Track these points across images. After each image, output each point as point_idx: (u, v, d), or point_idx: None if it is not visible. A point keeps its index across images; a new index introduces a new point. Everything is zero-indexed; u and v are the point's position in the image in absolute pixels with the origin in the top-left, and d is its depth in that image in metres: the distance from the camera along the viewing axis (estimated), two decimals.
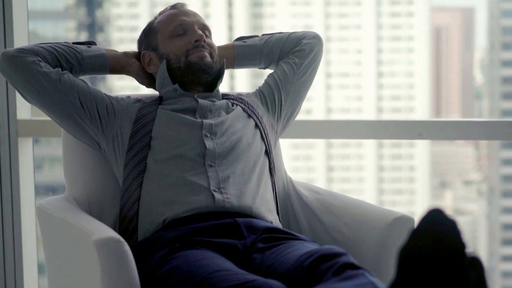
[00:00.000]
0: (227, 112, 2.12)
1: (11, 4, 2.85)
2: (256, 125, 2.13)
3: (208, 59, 2.12)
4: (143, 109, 2.09)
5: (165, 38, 2.15)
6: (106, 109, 2.08)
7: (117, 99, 2.12)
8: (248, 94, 2.24)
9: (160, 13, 2.21)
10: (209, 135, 2.04)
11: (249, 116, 2.14)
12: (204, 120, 2.06)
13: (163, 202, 1.96)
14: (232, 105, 2.15)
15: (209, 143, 2.02)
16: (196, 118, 2.07)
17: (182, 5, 2.21)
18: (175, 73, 2.13)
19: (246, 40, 2.27)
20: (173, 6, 2.21)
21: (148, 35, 2.18)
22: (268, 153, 2.13)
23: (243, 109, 2.15)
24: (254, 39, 2.27)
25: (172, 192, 1.96)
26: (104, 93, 2.11)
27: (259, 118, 2.15)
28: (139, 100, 2.14)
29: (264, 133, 2.14)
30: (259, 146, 2.10)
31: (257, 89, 2.25)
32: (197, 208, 1.93)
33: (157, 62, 2.16)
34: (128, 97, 2.16)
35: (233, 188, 1.98)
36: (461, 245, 1.24)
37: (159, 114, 2.08)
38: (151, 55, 2.17)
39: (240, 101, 2.18)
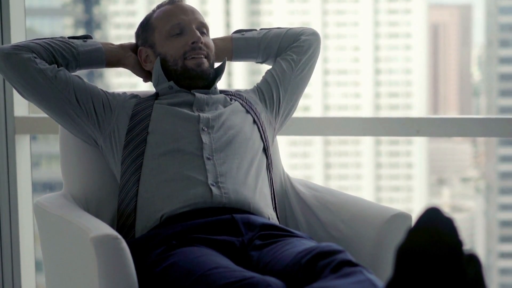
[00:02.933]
0: (224, 106, 2.12)
1: (8, 1, 2.85)
2: (254, 121, 2.13)
3: (205, 65, 2.12)
4: (140, 105, 2.09)
5: (162, 37, 2.14)
6: (102, 105, 2.08)
7: (113, 94, 2.12)
8: (246, 91, 2.24)
9: (158, 7, 2.20)
10: (206, 129, 2.04)
11: (247, 111, 2.14)
12: (201, 114, 2.06)
13: (160, 198, 1.96)
14: (230, 100, 2.15)
15: (205, 138, 2.02)
16: (193, 112, 2.07)
17: (180, 0, 2.19)
18: (171, 74, 2.13)
19: (244, 33, 2.27)
20: (172, 1, 2.19)
21: (146, 30, 2.18)
22: (265, 150, 2.12)
23: (241, 105, 2.14)
24: (252, 32, 2.27)
25: (169, 187, 1.96)
26: (101, 89, 2.11)
27: (257, 114, 2.15)
28: (135, 96, 2.14)
29: (262, 129, 2.14)
30: (257, 143, 2.10)
31: (255, 86, 2.25)
32: (194, 203, 1.93)
33: (154, 59, 2.15)
34: (124, 93, 2.16)
35: (230, 183, 1.97)
36: (458, 243, 1.24)
37: (155, 108, 2.07)
38: (148, 52, 2.17)
39: (239, 97, 2.18)
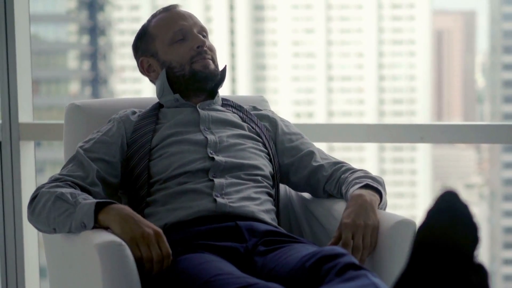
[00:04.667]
0: (234, 126, 2.11)
1: (12, 7, 2.86)
2: (265, 146, 2.12)
3: (212, 66, 2.11)
4: (139, 130, 2.07)
5: (164, 45, 2.13)
6: (123, 153, 2.06)
7: (112, 142, 2.05)
8: (276, 119, 2.21)
9: (153, 16, 2.18)
10: (213, 153, 2.03)
11: (258, 135, 2.12)
12: (209, 137, 2.05)
13: (165, 211, 1.96)
14: (243, 121, 2.14)
15: (213, 161, 2.01)
16: (199, 132, 2.06)
17: (175, 6, 2.19)
18: (178, 81, 2.12)
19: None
20: (167, 9, 2.18)
21: (145, 41, 2.16)
22: (274, 175, 2.11)
23: (252, 127, 2.13)
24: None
25: (175, 201, 1.96)
26: (103, 144, 2.04)
27: (267, 138, 2.14)
28: (129, 120, 2.10)
29: (271, 154, 2.12)
30: (266, 168, 2.08)
31: (280, 122, 2.20)
32: (198, 211, 1.93)
33: (158, 68, 2.14)
34: (113, 125, 2.09)
35: (235, 195, 1.97)
36: (474, 228, 1.25)
37: (159, 131, 2.06)
38: (150, 61, 2.15)
39: (257, 119, 2.16)
